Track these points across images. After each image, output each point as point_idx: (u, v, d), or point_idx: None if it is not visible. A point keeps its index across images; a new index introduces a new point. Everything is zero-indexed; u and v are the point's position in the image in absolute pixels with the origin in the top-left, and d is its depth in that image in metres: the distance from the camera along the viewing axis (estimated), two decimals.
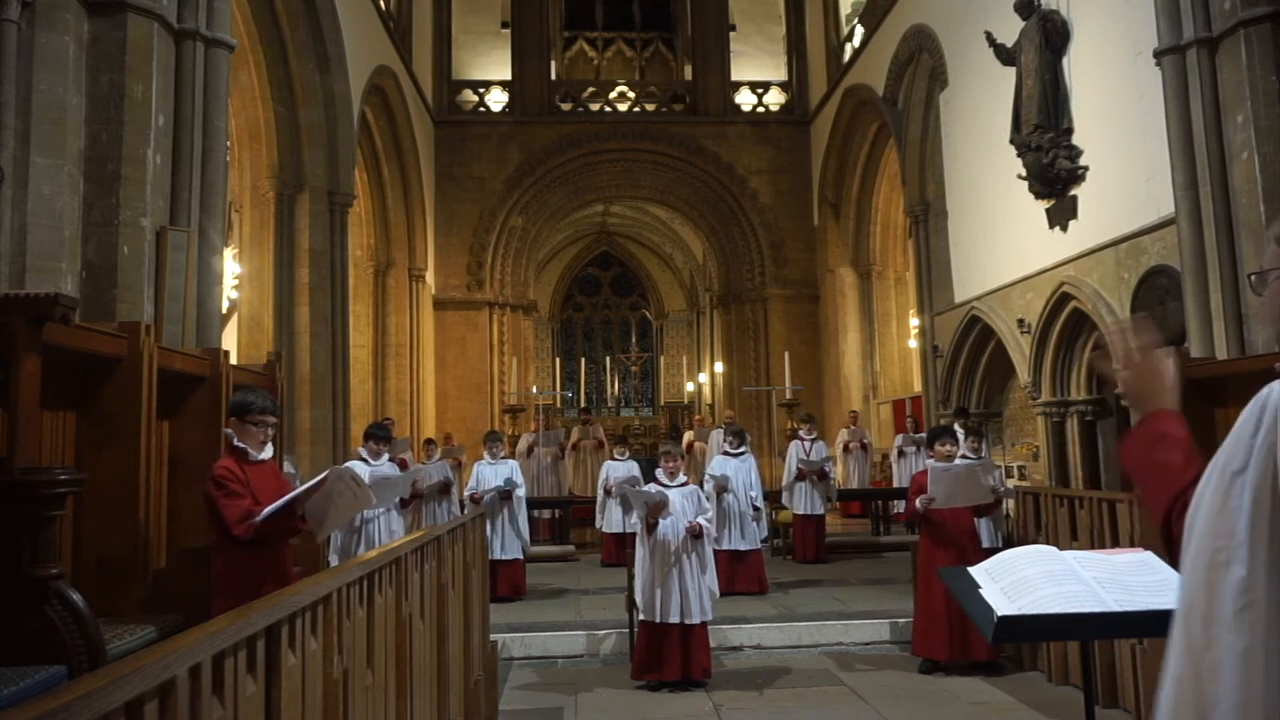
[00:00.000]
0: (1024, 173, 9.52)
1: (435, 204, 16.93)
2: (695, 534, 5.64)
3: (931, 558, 5.84)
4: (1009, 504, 6.93)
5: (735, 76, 18.58)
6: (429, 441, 10.23)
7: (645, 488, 5.97)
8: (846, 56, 16.37)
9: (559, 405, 21.18)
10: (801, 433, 10.64)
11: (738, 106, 18.49)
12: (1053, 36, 9.20)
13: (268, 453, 4.02)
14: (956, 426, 7.81)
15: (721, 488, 8.21)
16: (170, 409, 4.44)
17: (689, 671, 5.57)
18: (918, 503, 5.84)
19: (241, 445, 3.93)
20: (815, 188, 17.60)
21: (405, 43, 14.92)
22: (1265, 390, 1.29)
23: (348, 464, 6.85)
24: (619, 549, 9.60)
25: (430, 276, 16.27)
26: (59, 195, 5.11)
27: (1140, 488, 1.62)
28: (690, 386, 25.16)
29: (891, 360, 16.37)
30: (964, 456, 6.63)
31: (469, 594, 4.53)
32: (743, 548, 8.20)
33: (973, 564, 2.88)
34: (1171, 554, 1.45)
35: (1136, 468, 1.62)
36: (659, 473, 6.07)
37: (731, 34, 18.93)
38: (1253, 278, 1.51)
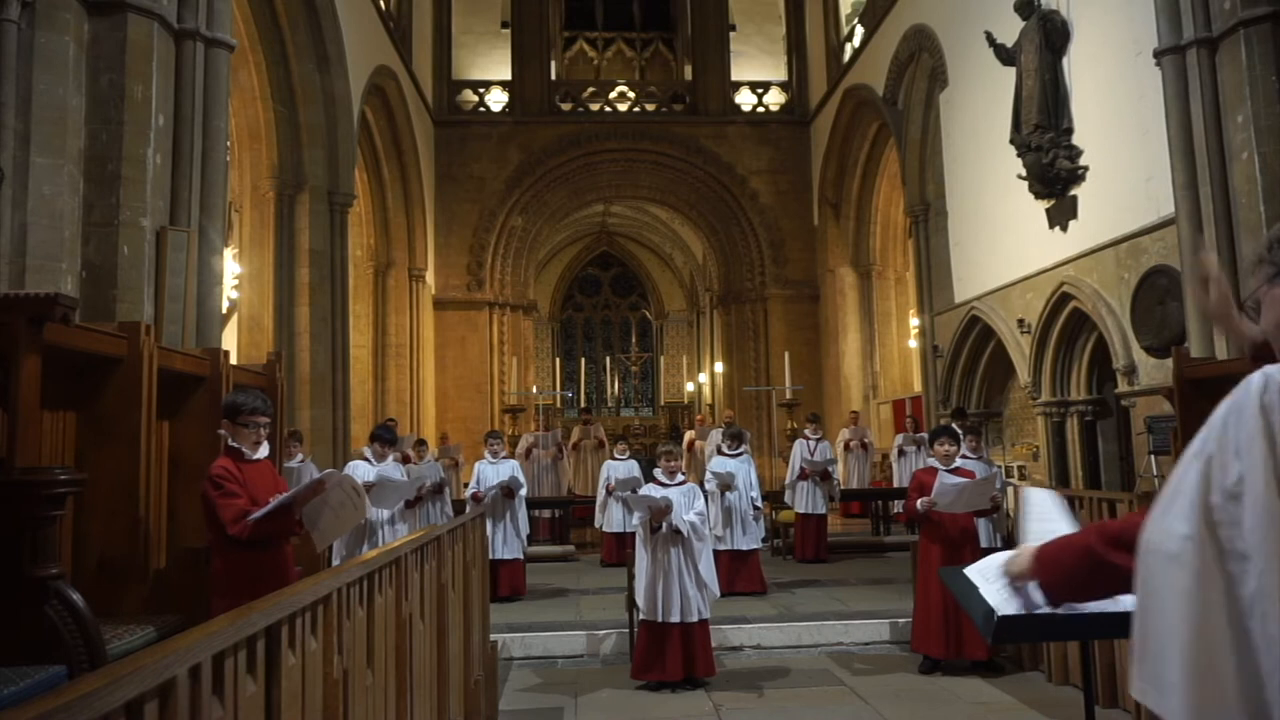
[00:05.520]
0: (1024, 173, 9.52)
1: (435, 204, 16.93)
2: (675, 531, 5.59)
3: (930, 557, 5.85)
4: (1008, 504, 6.92)
5: (735, 76, 18.58)
6: (420, 442, 10.16)
7: (646, 488, 5.97)
8: (846, 56, 16.37)
9: (559, 405, 21.18)
10: (807, 432, 10.64)
11: (738, 106, 18.49)
12: (1053, 36, 9.20)
13: (263, 452, 4.02)
14: (955, 426, 7.81)
15: (726, 485, 8.20)
16: (170, 409, 4.44)
17: (690, 670, 5.56)
18: (918, 504, 5.84)
19: (236, 445, 3.94)
20: (815, 188, 17.60)
21: (405, 43, 14.92)
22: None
23: (350, 464, 6.85)
24: (619, 549, 9.59)
25: (430, 276, 16.28)
26: (59, 195, 5.11)
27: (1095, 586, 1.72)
28: (690, 386, 25.16)
29: (891, 360, 16.37)
30: (964, 456, 6.62)
31: (469, 594, 4.52)
32: (744, 547, 8.20)
33: (972, 564, 2.87)
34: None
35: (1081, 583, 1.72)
36: (658, 472, 6.08)
37: (731, 34, 18.94)
38: (1248, 305, 1.52)
